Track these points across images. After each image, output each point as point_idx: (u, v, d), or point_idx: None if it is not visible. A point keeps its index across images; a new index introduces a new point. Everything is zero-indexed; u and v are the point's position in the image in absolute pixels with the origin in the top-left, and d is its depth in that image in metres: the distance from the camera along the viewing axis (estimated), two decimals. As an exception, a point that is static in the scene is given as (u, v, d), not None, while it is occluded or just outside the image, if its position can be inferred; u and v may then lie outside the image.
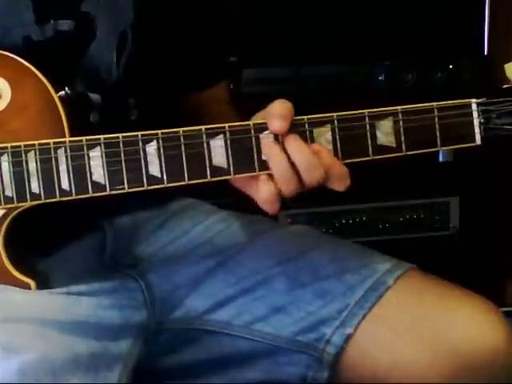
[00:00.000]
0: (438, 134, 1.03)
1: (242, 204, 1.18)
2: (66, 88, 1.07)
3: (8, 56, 1.04)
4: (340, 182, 1.01)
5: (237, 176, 1.03)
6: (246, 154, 1.02)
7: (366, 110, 1.03)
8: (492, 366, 1.09)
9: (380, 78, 1.96)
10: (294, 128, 1.02)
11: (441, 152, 1.96)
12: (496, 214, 2.07)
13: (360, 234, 2.03)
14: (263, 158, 1.02)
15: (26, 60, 1.04)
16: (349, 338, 1.13)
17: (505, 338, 1.10)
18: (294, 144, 1.00)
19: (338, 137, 1.02)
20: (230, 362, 1.19)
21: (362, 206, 2.04)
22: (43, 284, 1.08)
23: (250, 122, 1.03)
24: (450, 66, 1.96)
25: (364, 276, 1.16)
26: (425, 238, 2.08)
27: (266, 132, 1.02)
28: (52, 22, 1.10)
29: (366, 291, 1.15)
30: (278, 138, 1.01)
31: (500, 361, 1.09)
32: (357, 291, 1.15)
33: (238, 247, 1.22)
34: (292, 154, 1.00)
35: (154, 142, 1.02)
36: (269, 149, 1.01)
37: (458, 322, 1.12)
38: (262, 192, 1.01)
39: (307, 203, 1.99)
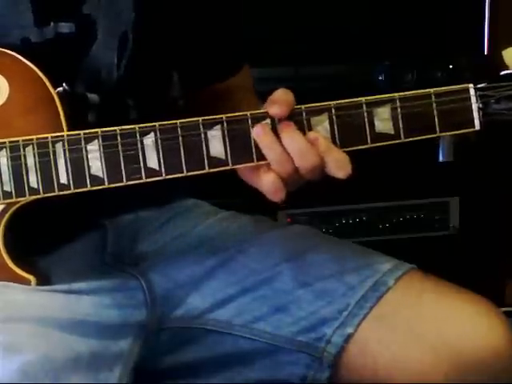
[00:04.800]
0: (436, 119, 1.02)
1: (242, 204, 1.18)
2: (64, 84, 1.07)
3: (6, 53, 1.04)
4: (339, 169, 1.01)
5: (235, 167, 1.03)
6: (243, 145, 1.02)
7: (363, 98, 1.02)
8: (493, 366, 1.09)
9: (380, 78, 1.96)
10: (293, 117, 1.02)
11: (441, 152, 1.96)
12: (496, 214, 2.07)
13: (360, 234, 2.02)
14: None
15: (25, 59, 1.04)
16: (349, 337, 1.13)
17: (505, 339, 1.10)
18: (287, 130, 1.01)
19: (335, 125, 1.02)
20: (230, 362, 1.19)
21: (362, 206, 2.04)
22: (43, 280, 1.08)
23: (248, 112, 1.02)
24: (450, 66, 1.96)
25: (364, 276, 1.16)
26: (425, 238, 2.08)
27: (265, 121, 1.01)
28: (52, 24, 1.09)
29: (367, 291, 1.15)
30: (275, 126, 1.01)
31: (501, 361, 1.09)
32: (357, 291, 1.15)
33: (239, 247, 1.22)
34: (284, 140, 1.00)
35: (152, 134, 1.02)
36: (260, 138, 1.01)
37: (459, 322, 1.12)
38: (264, 182, 1.02)
39: (307, 203, 1.99)
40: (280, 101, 1.01)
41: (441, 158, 1.97)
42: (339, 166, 1.01)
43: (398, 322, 1.13)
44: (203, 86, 1.31)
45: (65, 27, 1.10)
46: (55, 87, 1.05)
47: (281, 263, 1.19)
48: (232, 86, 1.32)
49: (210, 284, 1.19)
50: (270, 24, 1.94)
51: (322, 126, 1.02)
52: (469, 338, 1.10)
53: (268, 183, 1.02)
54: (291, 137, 1.00)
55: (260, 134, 1.01)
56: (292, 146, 1.00)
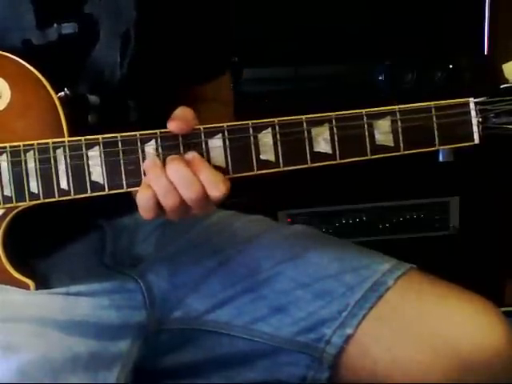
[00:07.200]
0: (436, 133, 1.03)
1: (242, 204, 1.18)
2: (66, 89, 1.07)
3: (7, 56, 1.04)
4: (212, 189, 0.99)
5: (236, 175, 1.03)
6: (244, 153, 1.02)
7: (363, 110, 1.03)
8: (492, 366, 1.09)
9: (380, 78, 1.96)
10: (293, 127, 1.02)
11: (441, 152, 1.96)
12: (496, 214, 2.07)
13: (360, 233, 2.03)
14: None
15: (27, 62, 1.04)
16: (349, 338, 1.13)
17: (505, 338, 1.10)
18: (172, 162, 1.00)
19: (336, 136, 1.02)
20: (229, 362, 1.19)
21: (362, 206, 2.04)
22: (42, 284, 1.08)
23: (249, 122, 1.02)
24: (450, 66, 1.96)
25: (364, 276, 1.16)
26: (425, 237, 2.08)
27: (151, 143, 1.02)
28: (55, 25, 1.09)
29: (366, 291, 1.15)
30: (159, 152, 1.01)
31: (500, 361, 1.09)
32: (357, 291, 1.15)
33: (238, 247, 1.22)
34: (168, 171, 0.99)
35: (153, 142, 1.02)
36: (149, 169, 1.01)
37: (458, 322, 1.12)
38: (141, 196, 1.01)
39: (307, 203, 1.99)
40: (177, 117, 1.01)
41: (441, 158, 1.97)
42: (212, 186, 0.99)
43: (398, 322, 1.13)
44: (184, 86, 1.29)
45: (68, 28, 1.10)
46: (58, 89, 1.05)
47: (280, 263, 1.19)
48: (211, 95, 1.31)
49: (209, 285, 1.19)
50: (269, 24, 1.94)
51: (322, 137, 1.02)
52: (468, 338, 1.10)
53: (143, 198, 1.01)
54: (175, 168, 0.99)
55: (148, 166, 1.01)
56: (175, 176, 0.99)
